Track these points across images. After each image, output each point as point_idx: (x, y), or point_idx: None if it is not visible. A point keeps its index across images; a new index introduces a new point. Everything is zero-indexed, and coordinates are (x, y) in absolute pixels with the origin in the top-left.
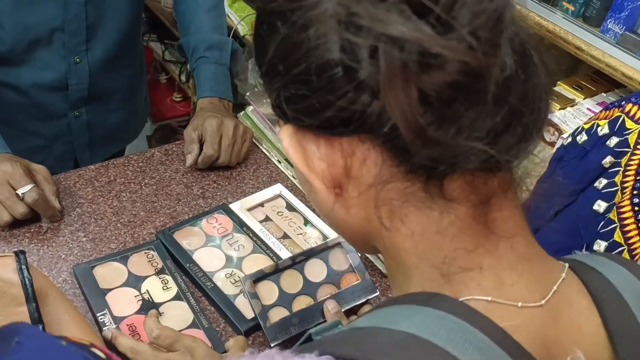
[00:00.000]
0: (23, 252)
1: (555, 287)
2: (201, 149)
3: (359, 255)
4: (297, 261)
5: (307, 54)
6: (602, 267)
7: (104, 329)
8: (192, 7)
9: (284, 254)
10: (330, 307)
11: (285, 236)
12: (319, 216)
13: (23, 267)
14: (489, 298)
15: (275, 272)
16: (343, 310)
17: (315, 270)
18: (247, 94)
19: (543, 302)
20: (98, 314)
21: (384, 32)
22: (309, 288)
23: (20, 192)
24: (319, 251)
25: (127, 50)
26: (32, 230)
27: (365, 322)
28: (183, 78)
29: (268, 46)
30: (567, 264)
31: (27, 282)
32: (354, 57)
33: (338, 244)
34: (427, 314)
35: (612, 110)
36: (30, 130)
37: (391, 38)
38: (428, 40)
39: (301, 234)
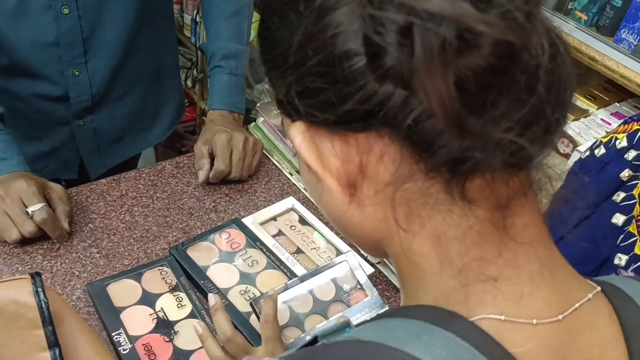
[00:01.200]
0: (39, 274)
1: (577, 305)
2: (212, 163)
3: (366, 272)
4: (305, 280)
5: (324, 43)
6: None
7: (120, 349)
8: (213, 12)
9: (298, 269)
10: None
11: (299, 251)
12: (332, 229)
13: (39, 289)
14: (503, 317)
15: (284, 292)
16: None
17: (324, 289)
18: (257, 105)
19: (560, 317)
20: (113, 334)
21: (421, 7)
22: (319, 307)
23: (30, 209)
24: (326, 270)
25: (133, 58)
26: (44, 247)
27: (372, 334)
28: (189, 83)
29: (278, 39)
30: (598, 287)
31: (43, 305)
32: (380, 40)
33: (344, 262)
34: (437, 335)
35: (630, 124)
36: (33, 136)
37: (429, 14)
38: (470, 17)
39: (314, 248)
